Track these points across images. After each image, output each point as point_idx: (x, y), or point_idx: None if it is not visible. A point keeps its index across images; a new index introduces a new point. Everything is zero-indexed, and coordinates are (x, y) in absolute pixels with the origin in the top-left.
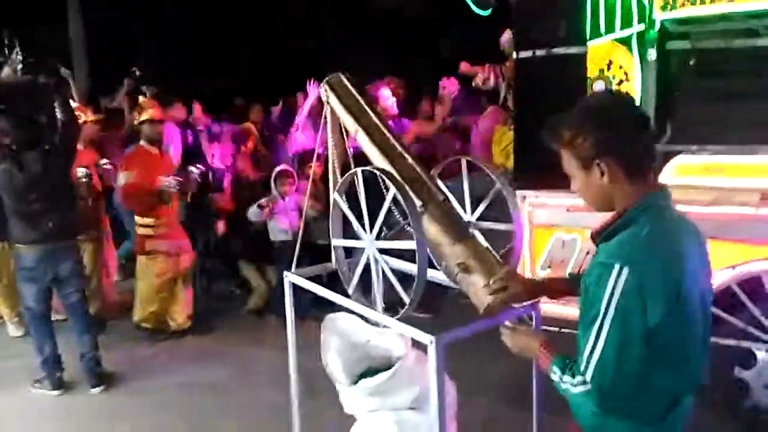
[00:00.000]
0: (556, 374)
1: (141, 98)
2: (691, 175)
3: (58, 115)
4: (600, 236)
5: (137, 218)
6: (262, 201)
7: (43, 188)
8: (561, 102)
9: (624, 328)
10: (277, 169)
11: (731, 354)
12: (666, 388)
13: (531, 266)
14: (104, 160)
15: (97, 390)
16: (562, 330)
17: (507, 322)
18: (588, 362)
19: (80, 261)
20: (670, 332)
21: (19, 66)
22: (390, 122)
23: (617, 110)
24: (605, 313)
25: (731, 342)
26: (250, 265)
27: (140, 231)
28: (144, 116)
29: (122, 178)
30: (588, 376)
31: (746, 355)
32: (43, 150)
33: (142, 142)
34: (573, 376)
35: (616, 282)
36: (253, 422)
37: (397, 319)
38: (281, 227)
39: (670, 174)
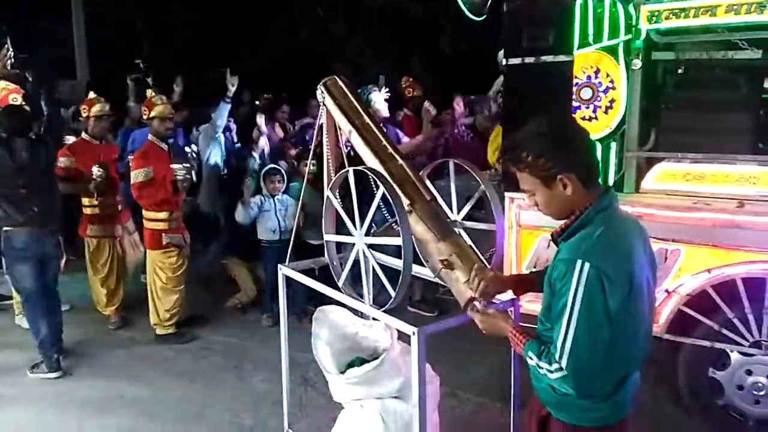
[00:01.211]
0: (532, 360)
1: (149, 92)
2: (672, 181)
3: (43, 107)
4: (560, 236)
5: (149, 214)
6: (250, 199)
7: (29, 175)
8: (548, 107)
9: (591, 316)
10: (266, 168)
11: (706, 355)
12: (620, 367)
13: (517, 266)
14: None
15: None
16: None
17: (477, 304)
18: (562, 350)
19: (59, 244)
20: (625, 317)
21: (9, 61)
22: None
23: (569, 130)
24: (573, 304)
25: (706, 344)
26: (240, 262)
27: (152, 225)
28: (153, 113)
29: (139, 176)
30: (563, 363)
31: (720, 357)
32: (30, 139)
33: (150, 137)
34: (550, 363)
35: (579, 275)
36: (247, 410)
37: (384, 311)
38: (270, 226)
39: (652, 180)
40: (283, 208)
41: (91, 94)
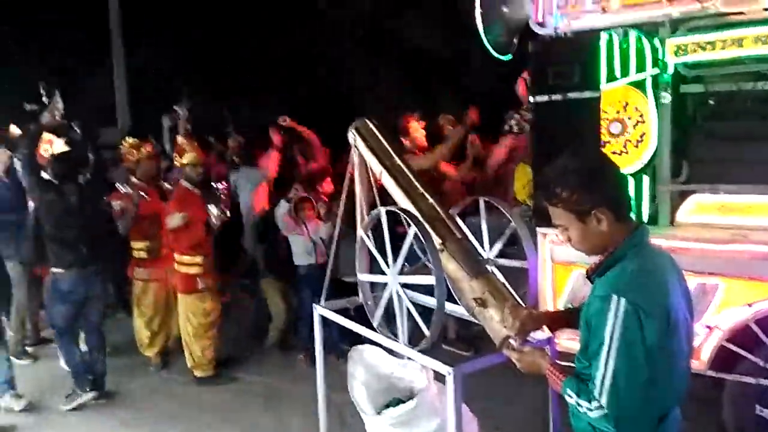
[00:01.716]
0: (572, 398)
1: (179, 139)
2: (707, 213)
3: (90, 154)
4: (594, 272)
5: (183, 258)
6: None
7: (78, 217)
8: (576, 143)
9: (629, 352)
10: (298, 195)
11: (752, 392)
12: (661, 403)
13: (553, 303)
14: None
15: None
16: None
17: (512, 341)
18: (602, 387)
19: (104, 285)
20: (664, 352)
21: (59, 113)
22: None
23: (601, 164)
24: (610, 341)
25: (751, 380)
26: (274, 285)
27: (185, 270)
28: (185, 159)
29: (175, 220)
30: (603, 401)
31: (766, 393)
32: (78, 183)
33: (183, 183)
34: (589, 401)
35: (616, 311)
36: None
37: (418, 351)
38: (305, 249)
39: (686, 213)
40: (316, 236)
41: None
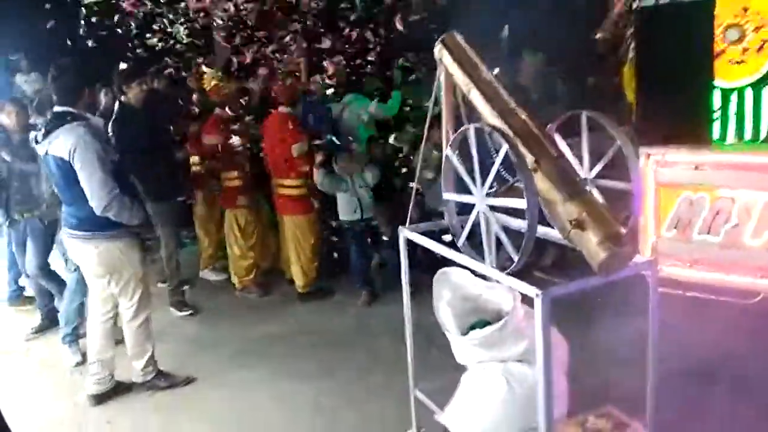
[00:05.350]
0: None
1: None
2: None
3: None
4: None
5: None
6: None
7: None
8: (687, 54)
9: None
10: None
11: None
12: None
13: (656, 228)
14: None
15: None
16: (686, 294)
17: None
18: None
19: None
20: None
21: None
22: None
23: None
24: None
25: None
26: None
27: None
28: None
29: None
30: None
31: None
32: None
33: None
34: None
35: None
36: (374, 370)
37: (507, 274)
38: (350, 207)
39: None
40: (362, 187)
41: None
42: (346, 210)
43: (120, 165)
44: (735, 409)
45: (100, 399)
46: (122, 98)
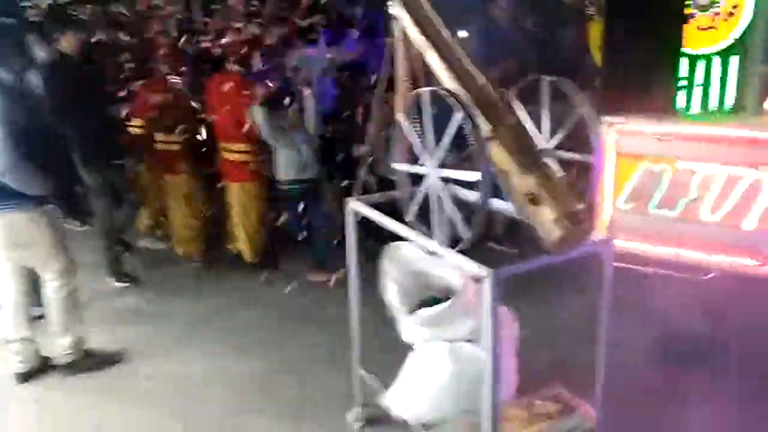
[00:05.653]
0: None
1: None
2: None
3: None
4: None
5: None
6: None
7: None
8: (656, 14)
9: None
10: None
11: None
12: None
13: (612, 199)
14: None
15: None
16: (641, 268)
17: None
18: None
19: None
20: None
21: None
22: None
23: None
24: None
25: None
26: None
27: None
28: None
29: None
30: None
31: None
32: None
33: None
34: None
35: None
36: (322, 345)
37: (457, 251)
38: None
39: None
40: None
41: None
42: (284, 167)
43: (43, 124)
44: (687, 387)
45: (25, 377)
46: (57, 47)
